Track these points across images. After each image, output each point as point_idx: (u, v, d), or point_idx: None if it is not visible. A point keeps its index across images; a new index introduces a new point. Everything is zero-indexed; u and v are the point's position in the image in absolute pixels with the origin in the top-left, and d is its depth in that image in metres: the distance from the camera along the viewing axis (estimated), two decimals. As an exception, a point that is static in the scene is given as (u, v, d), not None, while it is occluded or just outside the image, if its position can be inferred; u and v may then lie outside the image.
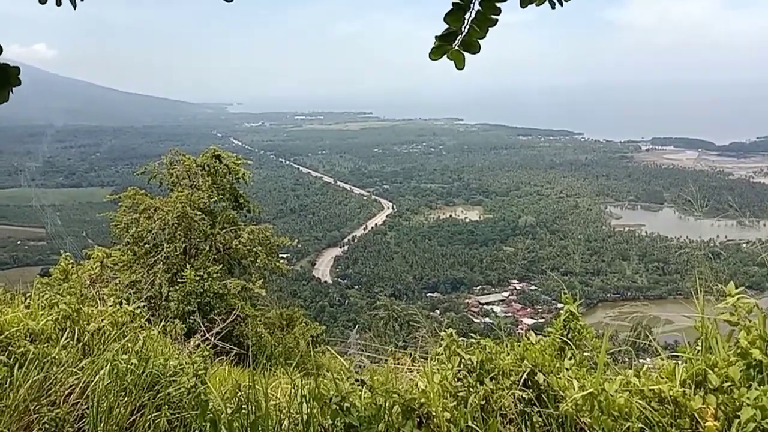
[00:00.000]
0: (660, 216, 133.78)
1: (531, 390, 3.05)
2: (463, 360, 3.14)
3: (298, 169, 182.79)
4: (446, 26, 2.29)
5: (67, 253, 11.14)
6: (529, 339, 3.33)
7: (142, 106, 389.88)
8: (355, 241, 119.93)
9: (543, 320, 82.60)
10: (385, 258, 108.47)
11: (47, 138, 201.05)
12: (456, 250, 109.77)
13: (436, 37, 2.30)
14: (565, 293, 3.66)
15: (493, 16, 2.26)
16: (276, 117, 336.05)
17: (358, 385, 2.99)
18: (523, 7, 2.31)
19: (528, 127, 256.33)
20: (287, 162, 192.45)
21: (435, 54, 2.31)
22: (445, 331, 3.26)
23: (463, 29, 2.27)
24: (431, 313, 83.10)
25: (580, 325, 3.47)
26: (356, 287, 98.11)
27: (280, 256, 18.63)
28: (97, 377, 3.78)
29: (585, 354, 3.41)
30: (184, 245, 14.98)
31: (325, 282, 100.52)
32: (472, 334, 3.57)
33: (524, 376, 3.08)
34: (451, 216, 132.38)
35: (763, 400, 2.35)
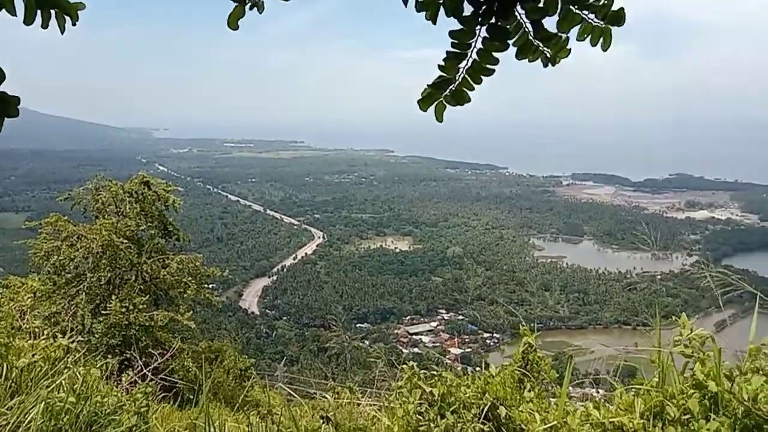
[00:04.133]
0: (580, 248, 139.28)
1: (492, 423, 3.05)
2: (424, 393, 3.11)
3: (227, 196, 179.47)
4: (439, 74, 2.17)
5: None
6: (489, 371, 3.34)
7: (64, 128, 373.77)
8: (285, 270, 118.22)
9: (470, 350, 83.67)
10: (315, 288, 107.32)
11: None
12: (386, 279, 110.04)
13: (428, 85, 2.19)
14: (522, 325, 3.71)
15: (489, 66, 2.18)
16: (204, 143, 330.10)
17: (323, 422, 2.90)
18: (519, 60, 2.22)
19: (456, 161, 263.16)
20: (215, 189, 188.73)
21: (424, 103, 2.21)
22: (406, 364, 3.22)
23: (456, 78, 2.18)
24: (360, 343, 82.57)
25: (539, 356, 3.52)
26: (284, 318, 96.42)
27: (207, 286, 18.08)
28: (29, 417, 3.50)
29: (543, 385, 3.45)
30: (108, 275, 14.28)
31: (252, 313, 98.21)
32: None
33: (486, 409, 3.08)
34: (381, 246, 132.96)
35: (721, 431, 2.43)
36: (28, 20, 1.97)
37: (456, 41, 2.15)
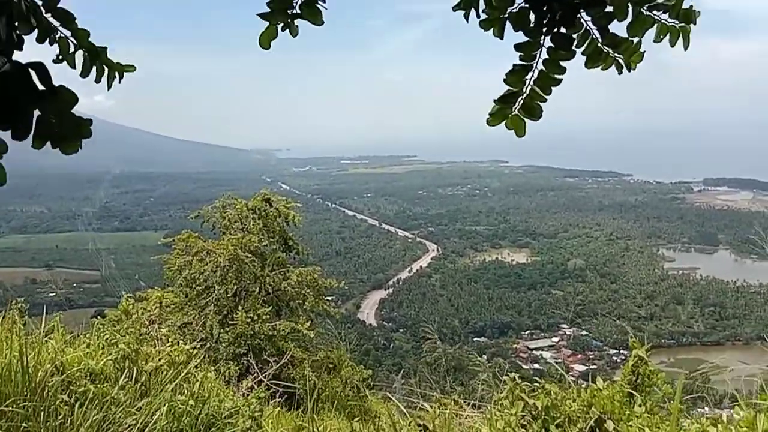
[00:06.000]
0: (715, 258, 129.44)
1: (599, 438, 2.92)
2: (527, 405, 3.03)
3: (344, 211, 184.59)
4: (506, 88, 2.10)
5: (129, 294, 11.37)
6: (596, 384, 3.20)
7: (196, 152, 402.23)
8: (400, 283, 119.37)
9: (595, 367, 79.73)
10: (431, 301, 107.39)
11: (104, 184, 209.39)
12: (503, 293, 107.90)
13: (494, 100, 2.12)
14: (631, 337, 3.52)
15: (557, 76, 2.10)
16: (323, 162, 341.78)
17: (421, 431, 2.92)
18: (588, 68, 2.13)
19: (575, 169, 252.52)
20: (333, 205, 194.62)
21: (494, 119, 2.14)
22: (507, 375, 3.16)
23: (524, 90, 2.10)
24: (478, 358, 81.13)
25: (650, 370, 3.32)
26: (401, 330, 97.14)
27: (326, 298, 18.63)
28: (155, 418, 3.80)
29: (655, 401, 3.25)
30: (235, 287, 15.14)
31: (370, 325, 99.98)
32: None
33: (592, 423, 2.95)
34: (497, 258, 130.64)
35: None
36: (84, 74, 2.19)
37: (522, 53, 2.08)
